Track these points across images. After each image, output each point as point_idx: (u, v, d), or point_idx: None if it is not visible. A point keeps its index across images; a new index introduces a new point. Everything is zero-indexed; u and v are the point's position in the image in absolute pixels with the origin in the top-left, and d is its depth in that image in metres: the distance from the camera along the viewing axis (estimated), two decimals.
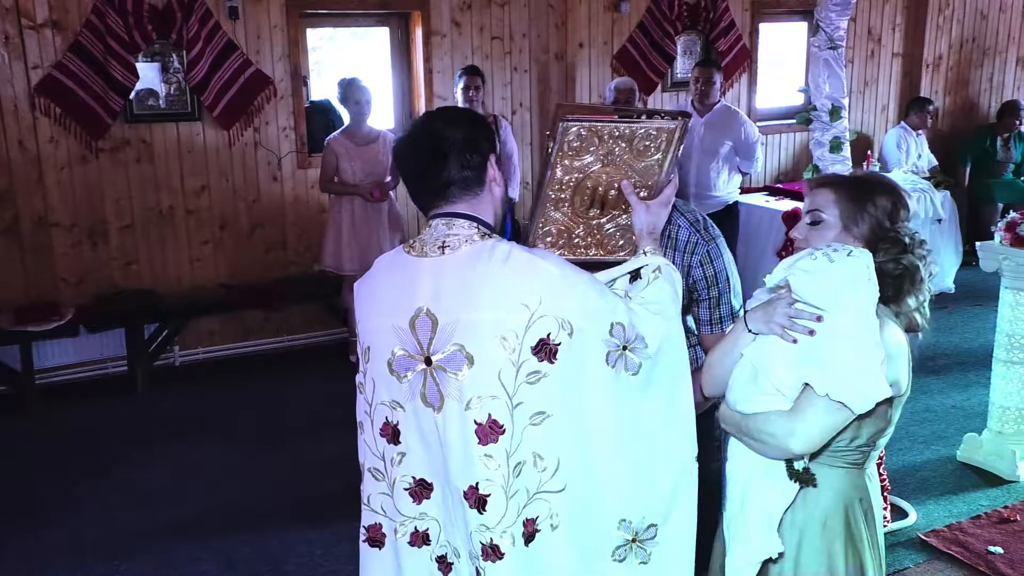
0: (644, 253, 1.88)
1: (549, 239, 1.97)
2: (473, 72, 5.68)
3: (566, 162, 1.84)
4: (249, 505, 3.98)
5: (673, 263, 2.25)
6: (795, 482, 1.84)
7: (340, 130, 5.47)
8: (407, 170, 1.82)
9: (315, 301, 5.91)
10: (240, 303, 5.63)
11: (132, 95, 5.29)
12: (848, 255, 1.78)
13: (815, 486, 1.85)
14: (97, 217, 5.36)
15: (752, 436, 1.85)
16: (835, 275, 1.76)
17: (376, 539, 1.84)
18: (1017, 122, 7.58)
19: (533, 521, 1.65)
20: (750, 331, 1.86)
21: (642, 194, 1.90)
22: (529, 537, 1.65)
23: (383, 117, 6.06)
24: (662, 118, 1.80)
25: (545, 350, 1.62)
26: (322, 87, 6.13)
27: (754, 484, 1.89)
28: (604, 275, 1.85)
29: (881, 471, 3.59)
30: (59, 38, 5.10)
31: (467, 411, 1.65)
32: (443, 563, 1.77)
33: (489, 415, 1.64)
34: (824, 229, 1.90)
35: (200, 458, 4.44)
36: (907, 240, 1.88)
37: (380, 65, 6.24)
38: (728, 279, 2.32)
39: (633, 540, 1.71)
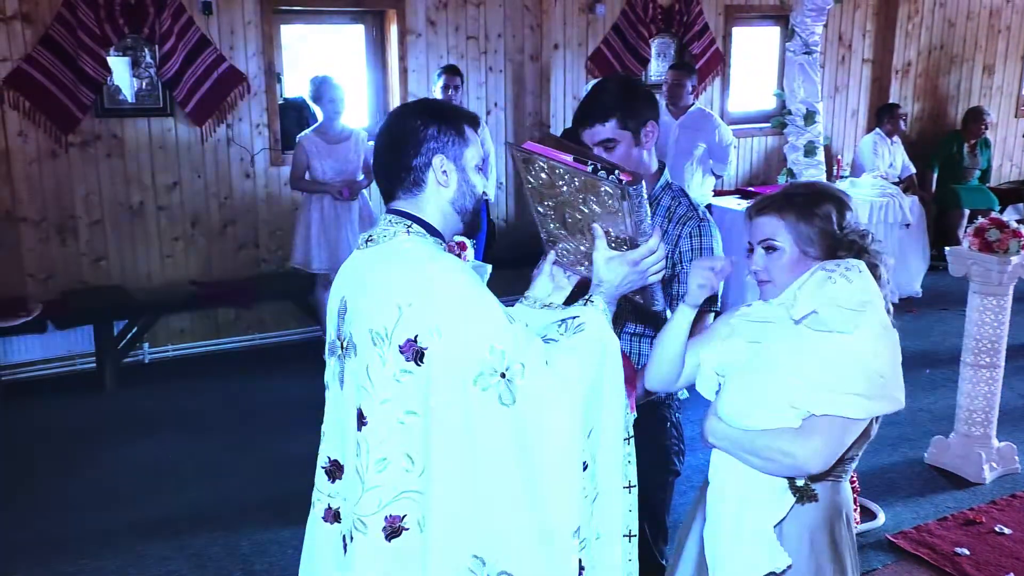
0: (585, 302, 1.79)
1: (558, 252, 1.94)
2: (452, 71, 5.68)
3: (541, 189, 1.82)
4: (219, 504, 3.94)
5: (666, 232, 2.32)
6: (797, 498, 1.83)
7: (312, 128, 5.44)
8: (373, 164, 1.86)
9: (287, 299, 5.87)
10: (211, 300, 5.57)
11: (103, 89, 5.22)
12: (860, 272, 1.79)
13: (817, 501, 1.85)
14: (66, 212, 5.28)
15: (759, 454, 1.82)
16: (857, 294, 1.76)
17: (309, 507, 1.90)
18: (983, 128, 7.71)
19: (400, 518, 1.63)
20: (693, 306, 1.90)
21: (611, 244, 1.80)
22: (394, 533, 1.64)
23: (358, 115, 6.03)
24: (607, 176, 1.67)
25: (412, 350, 1.60)
26: (296, 84, 6.09)
27: (751, 501, 1.85)
28: (546, 314, 1.81)
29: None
30: (29, 31, 5.01)
31: (355, 394, 1.68)
32: (346, 541, 1.78)
33: (360, 403, 1.66)
34: (781, 255, 1.89)
35: (169, 457, 4.39)
36: (860, 241, 1.90)
37: (354, 63, 6.21)
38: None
39: None
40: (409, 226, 1.73)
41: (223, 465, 4.31)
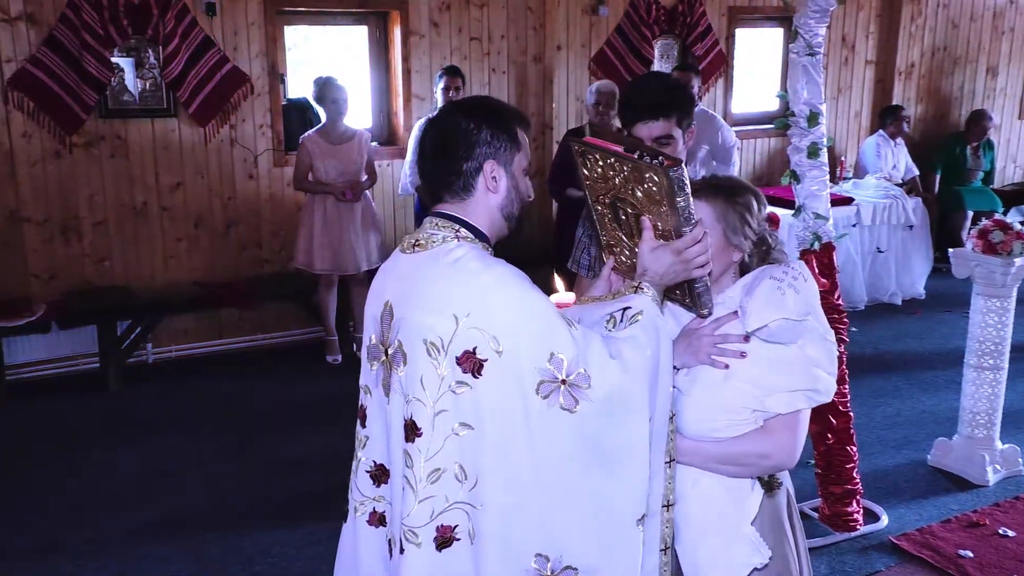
0: (634, 290, 1.74)
1: (616, 260, 1.93)
2: (454, 72, 5.67)
3: (596, 184, 1.83)
4: (221, 505, 3.95)
5: None
6: (765, 490, 1.87)
7: (315, 128, 5.45)
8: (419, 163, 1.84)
9: (290, 300, 5.87)
10: (214, 301, 5.58)
11: (107, 90, 5.23)
12: (805, 280, 1.80)
13: (782, 486, 1.91)
14: (70, 213, 5.29)
15: (737, 463, 1.82)
16: (801, 305, 1.77)
17: (346, 512, 1.89)
18: (986, 130, 7.70)
19: (451, 528, 1.64)
20: (675, 367, 1.80)
21: (658, 237, 1.76)
22: (444, 543, 1.64)
23: (360, 116, 6.03)
24: (652, 161, 1.66)
25: (470, 362, 1.58)
26: (299, 85, 6.10)
27: (718, 511, 1.84)
28: (597, 307, 1.78)
29: (854, 475, 3.64)
30: (33, 32, 5.02)
31: (406, 405, 1.67)
32: (392, 545, 1.78)
33: (412, 415, 1.65)
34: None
35: (172, 457, 4.39)
36: (769, 236, 1.93)
37: (357, 64, 6.22)
38: None
39: None
40: (457, 231, 1.70)
41: (225, 465, 4.31)
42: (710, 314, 1.82)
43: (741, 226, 1.87)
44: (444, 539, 1.64)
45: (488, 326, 1.58)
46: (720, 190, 1.90)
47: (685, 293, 1.83)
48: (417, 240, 1.73)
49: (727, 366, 1.77)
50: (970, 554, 3.51)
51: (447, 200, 1.74)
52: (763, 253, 1.91)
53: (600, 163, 1.78)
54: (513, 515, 1.61)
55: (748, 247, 1.89)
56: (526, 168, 1.78)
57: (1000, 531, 3.68)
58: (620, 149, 1.72)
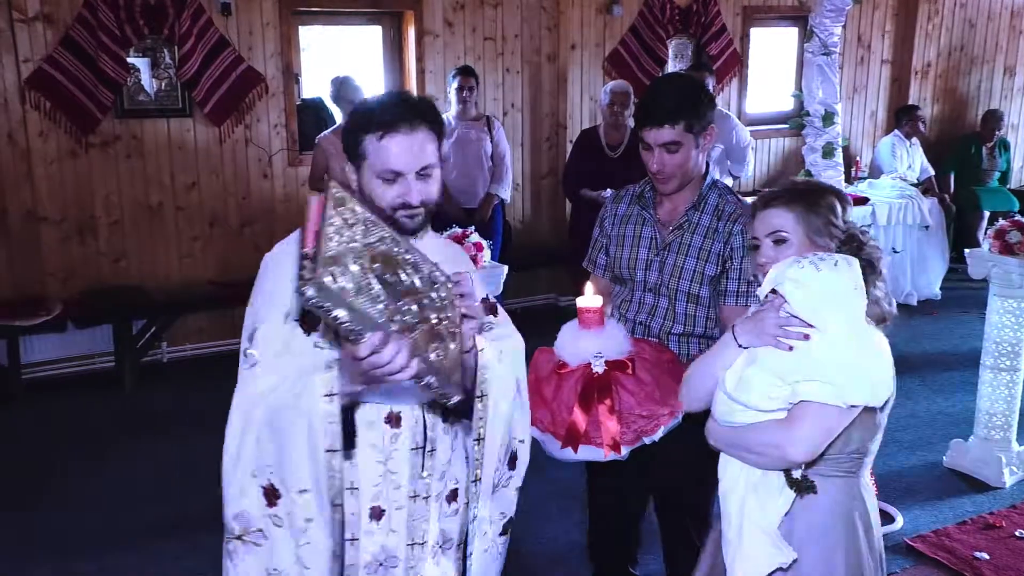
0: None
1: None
2: (467, 72, 5.67)
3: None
4: None
5: (716, 230, 2.38)
6: (795, 491, 1.84)
7: (331, 128, 5.45)
8: None
9: None
10: (229, 300, 5.58)
11: (123, 90, 5.26)
12: (835, 265, 1.79)
13: (815, 492, 1.85)
14: (86, 212, 5.32)
15: (749, 449, 1.85)
16: (823, 284, 1.77)
17: None
18: (1000, 129, 7.65)
19: None
20: (740, 345, 1.86)
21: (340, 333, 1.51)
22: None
23: None
24: (301, 271, 1.38)
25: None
26: (314, 85, 6.12)
27: (750, 498, 1.87)
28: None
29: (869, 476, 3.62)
30: (50, 32, 5.06)
31: None
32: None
33: None
34: (789, 247, 1.90)
35: (186, 456, 4.41)
36: (859, 234, 1.93)
37: (371, 64, 6.23)
38: None
39: None
40: None
41: None
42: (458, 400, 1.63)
43: (826, 228, 1.90)
44: None
45: None
46: (799, 195, 1.93)
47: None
48: None
49: (791, 348, 1.77)
50: (986, 556, 3.48)
51: None
52: (854, 250, 1.90)
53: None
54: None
55: (835, 247, 1.90)
56: (380, 173, 1.72)
57: (1017, 533, 3.66)
58: (307, 250, 1.42)
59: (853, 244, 1.91)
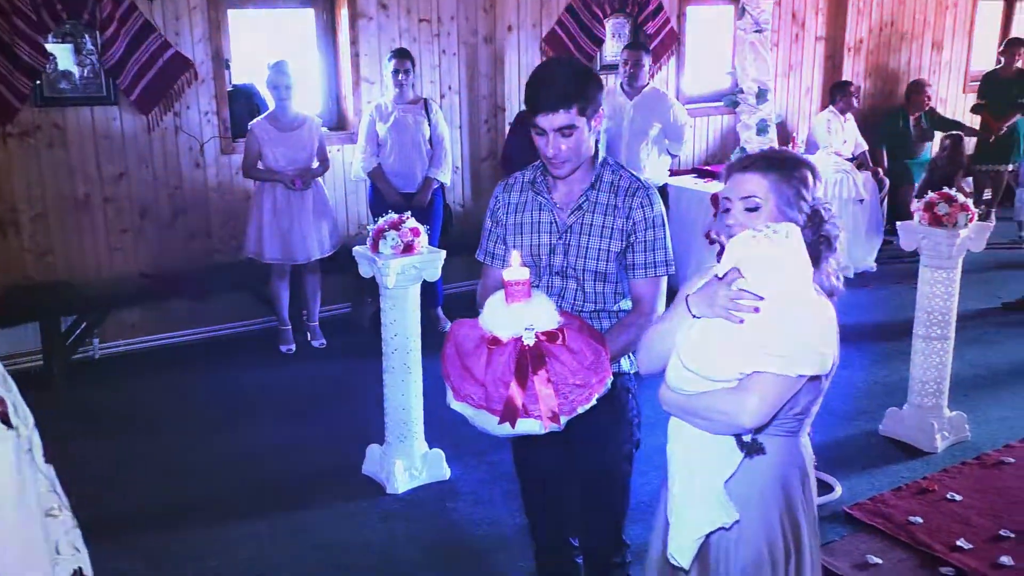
0: None
1: None
2: (403, 55, 5.59)
3: None
4: (174, 502, 3.87)
5: (616, 207, 2.41)
6: (745, 453, 1.89)
7: (264, 115, 5.35)
8: None
9: (242, 290, 5.77)
10: (163, 293, 5.47)
11: (42, 77, 5.07)
12: (787, 236, 1.82)
13: (764, 454, 1.91)
14: (7, 205, 5.13)
15: (700, 415, 1.88)
16: (777, 256, 1.80)
17: None
18: (925, 100, 7.78)
19: None
20: (694, 315, 1.88)
21: None
22: None
23: (309, 101, 5.93)
24: None
25: None
26: (244, 70, 5.97)
27: (698, 460, 1.91)
28: None
29: None
30: None
31: None
32: None
33: None
34: (760, 214, 1.92)
35: (122, 455, 4.30)
36: (823, 210, 1.96)
37: (305, 48, 6.10)
38: (664, 225, 2.44)
39: None
40: None
41: (179, 461, 4.23)
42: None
43: (796, 200, 1.91)
44: None
45: None
46: (774, 163, 1.94)
47: None
48: None
49: (742, 321, 1.78)
50: (920, 520, 3.57)
51: None
52: (816, 226, 1.93)
53: None
54: None
55: (802, 220, 1.91)
56: None
57: (948, 496, 3.76)
58: None
59: (816, 219, 1.94)
